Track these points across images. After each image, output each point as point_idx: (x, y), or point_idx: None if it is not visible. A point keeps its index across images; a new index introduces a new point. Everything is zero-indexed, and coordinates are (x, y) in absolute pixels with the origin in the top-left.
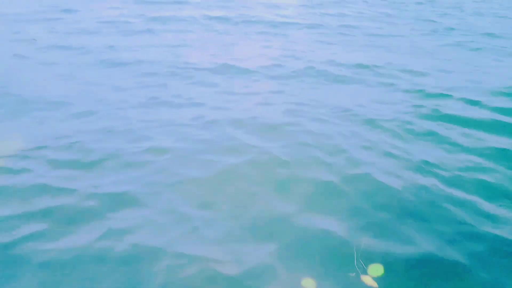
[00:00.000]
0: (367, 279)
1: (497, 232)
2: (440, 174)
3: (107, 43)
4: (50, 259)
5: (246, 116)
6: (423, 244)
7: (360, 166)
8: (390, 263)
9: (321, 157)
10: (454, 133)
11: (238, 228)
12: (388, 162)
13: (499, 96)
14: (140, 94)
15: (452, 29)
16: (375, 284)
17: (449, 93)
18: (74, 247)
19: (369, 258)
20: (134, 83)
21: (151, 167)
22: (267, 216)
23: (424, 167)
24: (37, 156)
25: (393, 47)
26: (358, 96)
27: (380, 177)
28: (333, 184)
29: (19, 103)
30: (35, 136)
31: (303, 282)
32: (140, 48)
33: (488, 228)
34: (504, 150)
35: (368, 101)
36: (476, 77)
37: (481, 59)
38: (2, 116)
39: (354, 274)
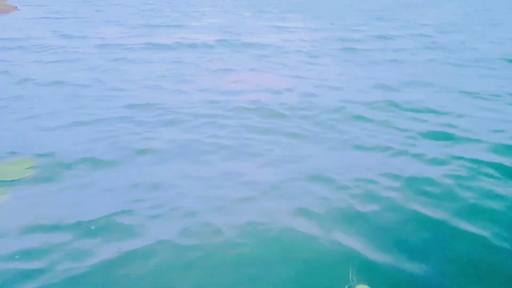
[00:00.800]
0: None
1: None
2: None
3: (98, 76)
4: None
5: (239, 171)
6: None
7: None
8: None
9: (319, 219)
10: (487, 184)
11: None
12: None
13: None
14: (125, 145)
15: (469, 57)
16: None
17: (476, 137)
18: None
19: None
20: (120, 129)
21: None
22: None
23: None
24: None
25: (395, 75)
26: (363, 139)
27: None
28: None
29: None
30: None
31: None
32: (129, 83)
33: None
34: None
35: (375, 148)
36: (499, 116)
37: (495, 89)
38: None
39: None
